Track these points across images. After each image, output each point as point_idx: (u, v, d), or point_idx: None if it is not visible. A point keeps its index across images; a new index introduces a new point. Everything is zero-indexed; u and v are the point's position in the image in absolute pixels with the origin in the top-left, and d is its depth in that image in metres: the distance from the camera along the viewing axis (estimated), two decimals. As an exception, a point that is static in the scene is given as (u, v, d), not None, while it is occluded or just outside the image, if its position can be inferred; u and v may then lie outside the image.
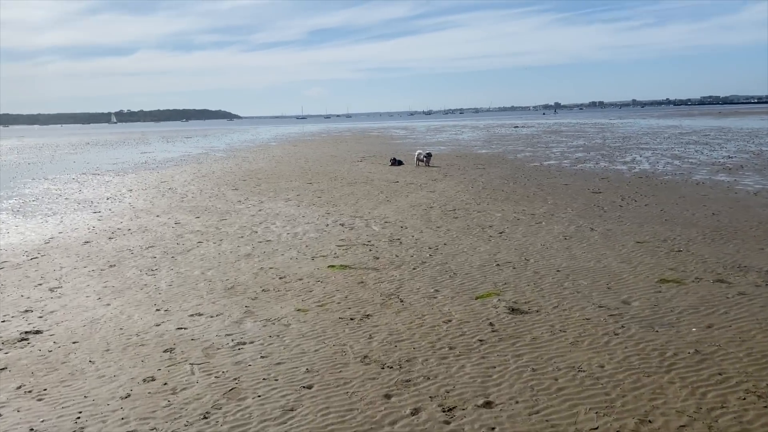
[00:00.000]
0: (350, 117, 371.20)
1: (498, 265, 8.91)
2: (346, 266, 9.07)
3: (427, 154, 25.36)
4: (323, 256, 9.78)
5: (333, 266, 9.06)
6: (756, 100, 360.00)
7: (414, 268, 8.85)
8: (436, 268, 8.86)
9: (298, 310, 7.22)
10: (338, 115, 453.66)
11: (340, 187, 18.98)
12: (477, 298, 7.39)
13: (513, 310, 6.86)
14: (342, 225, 12.41)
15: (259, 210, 14.82)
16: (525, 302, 7.18)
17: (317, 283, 8.28)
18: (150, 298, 7.89)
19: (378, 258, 9.54)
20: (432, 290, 7.81)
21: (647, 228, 11.28)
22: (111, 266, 9.56)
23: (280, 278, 8.60)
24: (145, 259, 10.01)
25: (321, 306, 7.33)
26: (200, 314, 7.17)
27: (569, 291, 7.56)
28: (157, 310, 7.43)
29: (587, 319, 6.57)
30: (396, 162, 26.06)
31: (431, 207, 14.33)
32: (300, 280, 8.49)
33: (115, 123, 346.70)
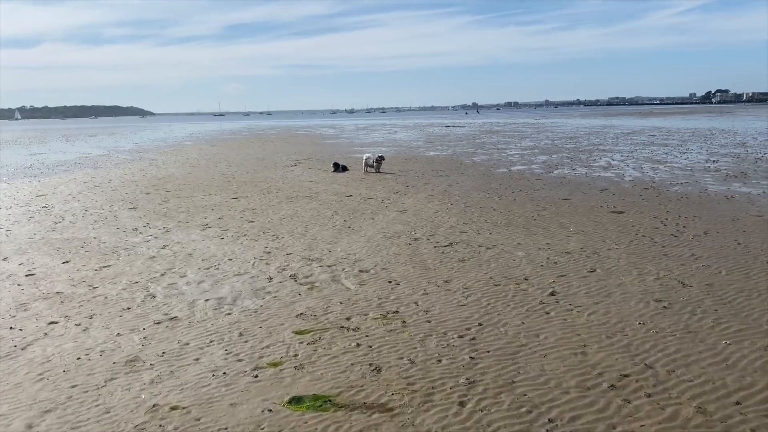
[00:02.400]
0: (271, 115, 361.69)
1: (612, 386, 4.73)
2: (321, 401, 4.63)
3: (379, 157, 21.13)
4: (274, 366, 5.34)
5: (298, 404, 4.59)
6: (658, 101, 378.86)
7: (461, 403, 4.52)
8: (502, 400, 4.57)
9: None
10: (258, 113, 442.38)
11: (278, 204, 14.39)
12: None
13: None
14: (294, 279, 7.96)
15: (163, 246, 10.10)
16: None
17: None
18: None
19: (379, 369, 5.19)
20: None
21: (759, 276, 7.46)
22: None
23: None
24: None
25: None
26: None
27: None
28: None
29: None
30: (340, 167, 21.66)
31: (416, 239, 10.08)
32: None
33: (19, 119, 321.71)
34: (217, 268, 8.59)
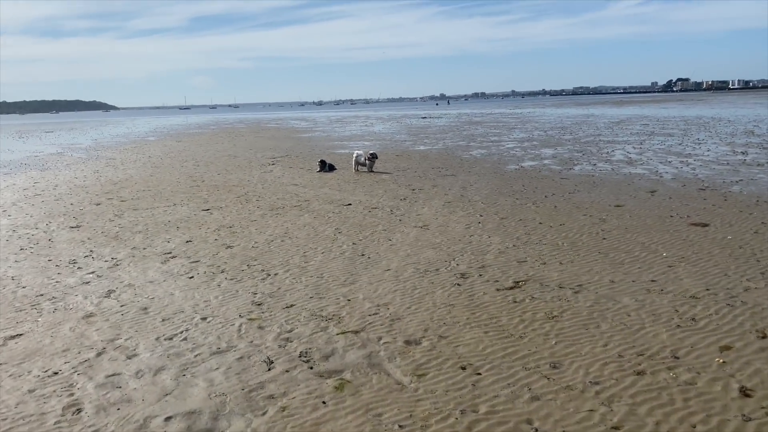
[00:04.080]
0: (238, 107, 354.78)
1: None
2: None
3: (371, 155, 18.21)
4: None
5: None
6: (621, 90, 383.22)
7: None
8: None
9: None
10: (225, 106, 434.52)
11: (261, 217, 11.39)
12: None
13: None
14: (307, 362, 5.06)
15: (108, 292, 7.09)
16: None
17: None
18: None
19: None
20: None
21: None
22: None
23: None
24: None
25: None
26: None
27: None
28: None
29: None
30: (327, 166, 18.67)
31: (462, 275, 7.27)
32: None
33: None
34: (185, 339, 5.61)
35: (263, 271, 7.77)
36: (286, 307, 6.36)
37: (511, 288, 6.71)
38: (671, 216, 10.33)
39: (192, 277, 7.62)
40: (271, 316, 6.12)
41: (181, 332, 5.79)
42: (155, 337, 5.69)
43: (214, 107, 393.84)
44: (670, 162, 18.17)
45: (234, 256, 8.59)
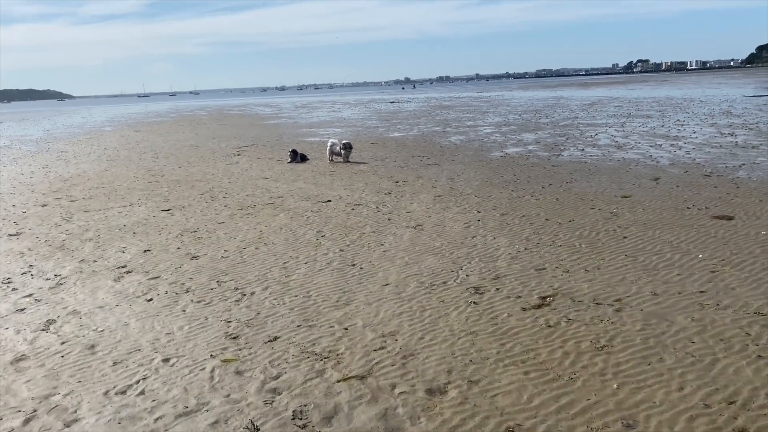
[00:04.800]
0: (198, 94, 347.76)
1: None
2: None
3: (346, 144, 16.92)
4: None
5: None
6: (584, 72, 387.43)
7: None
8: None
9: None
10: (185, 93, 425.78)
11: (230, 218, 10.06)
12: None
13: None
14: (301, 421, 3.94)
15: (46, 324, 5.81)
16: None
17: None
18: None
19: None
20: None
21: None
22: None
23: None
24: None
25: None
26: None
27: None
28: None
29: None
30: (298, 156, 17.33)
31: (477, 289, 6.15)
32: None
33: None
34: (142, 393, 4.34)
35: (237, 289, 6.50)
36: (269, 341, 5.12)
37: (539, 306, 5.58)
38: (688, 208, 9.35)
39: (151, 299, 6.30)
40: (251, 354, 4.88)
41: (138, 382, 4.52)
42: (104, 391, 4.42)
43: (174, 94, 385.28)
44: (660, 145, 17.33)
45: (201, 269, 7.28)
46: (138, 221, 10.22)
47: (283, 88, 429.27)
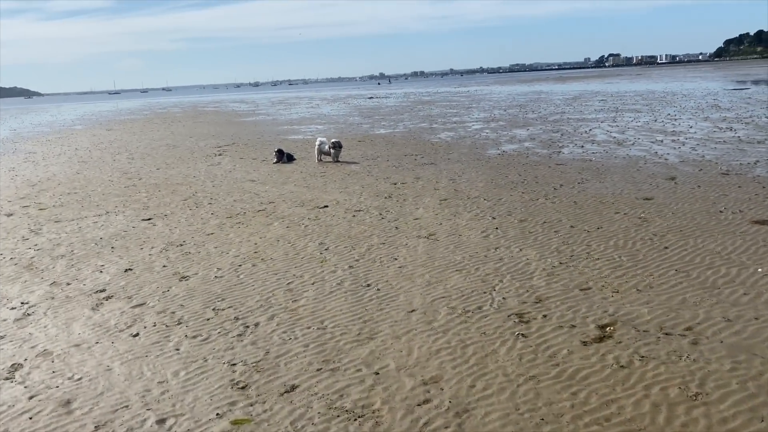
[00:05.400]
0: (170, 91, 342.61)
1: None
2: None
3: (336, 143, 15.99)
4: None
5: None
6: (557, 66, 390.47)
7: None
8: None
9: None
10: (157, 89, 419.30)
11: (218, 229, 9.08)
12: None
13: None
14: None
15: (11, 369, 4.96)
16: None
17: None
18: None
19: None
20: None
21: None
22: None
23: None
24: None
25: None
26: None
27: None
28: None
29: None
30: (285, 156, 16.35)
31: (520, 317, 5.37)
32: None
33: None
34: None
35: (237, 319, 5.56)
36: (286, 392, 4.21)
37: (601, 339, 4.75)
38: (720, 211, 8.62)
39: (137, 334, 5.33)
40: (266, 412, 3.96)
41: (126, 457, 3.56)
42: (83, 470, 3.45)
43: (145, 91, 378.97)
44: (661, 141, 16.70)
45: (192, 293, 6.32)
46: (116, 233, 9.18)
47: (257, 84, 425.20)
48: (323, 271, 6.83)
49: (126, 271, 7.26)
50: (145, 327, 5.48)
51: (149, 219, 10.08)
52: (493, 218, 8.87)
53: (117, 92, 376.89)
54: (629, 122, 22.55)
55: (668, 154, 14.35)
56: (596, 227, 8.09)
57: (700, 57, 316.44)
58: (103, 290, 6.59)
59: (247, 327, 5.37)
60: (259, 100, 77.40)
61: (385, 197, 10.91)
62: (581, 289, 5.83)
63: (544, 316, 5.24)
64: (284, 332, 5.22)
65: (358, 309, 5.65)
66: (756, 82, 50.94)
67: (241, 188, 12.63)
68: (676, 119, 22.81)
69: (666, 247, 7.04)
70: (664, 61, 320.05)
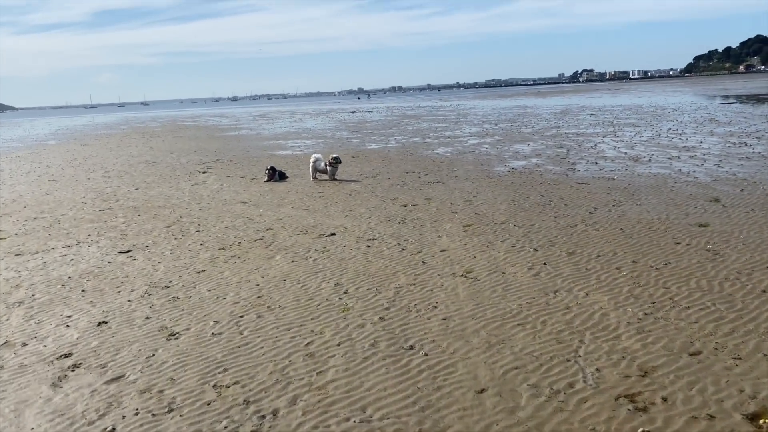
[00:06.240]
0: (148, 105, 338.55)
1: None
2: None
3: (333, 159, 14.65)
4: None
5: None
6: (531, 82, 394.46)
7: None
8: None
9: None
10: (135, 104, 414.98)
11: (210, 264, 7.67)
12: None
13: None
14: None
15: None
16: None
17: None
18: None
19: None
20: None
21: None
22: None
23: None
24: None
25: None
26: None
27: None
28: None
29: None
30: (277, 174, 14.95)
31: (633, 400, 4.12)
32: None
33: None
34: None
35: (248, 404, 4.15)
36: None
37: (760, 438, 3.41)
38: (799, 242, 7.39)
39: (113, 430, 3.88)
40: None
41: None
42: None
43: (122, 105, 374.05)
44: (679, 158, 15.63)
45: (185, 360, 4.89)
46: (88, 270, 7.70)
47: (235, 99, 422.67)
48: (348, 325, 5.45)
49: (99, 324, 5.80)
50: (123, 418, 4.05)
51: (128, 251, 8.60)
52: (535, 250, 7.57)
53: (93, 106, 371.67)
54: (633, 137, 21.57)
55: (695, 171, 13.25)
56: (662, 262, 6.82)
57: (671, 72, 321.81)
58: (69, 354, 5.14)
59: (263, 417, 3.97)
60: (239, 114, 75.85)
61: (399, 222, 9.57)
62: (691, 354, 4.53)
63: (664, 399, 3.92)
64: (315, 427, 3.82)
65: (408, 387, 4.28)
66: (738, 97, 50.81)
67: (232, 212, 11.20)
68: (680, 134, 21.89)
69: (764, 291, 5.77)
70: (636, 76, 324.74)
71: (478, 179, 13.74)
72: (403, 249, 7.97)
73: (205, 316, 5.89)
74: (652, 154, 16.52)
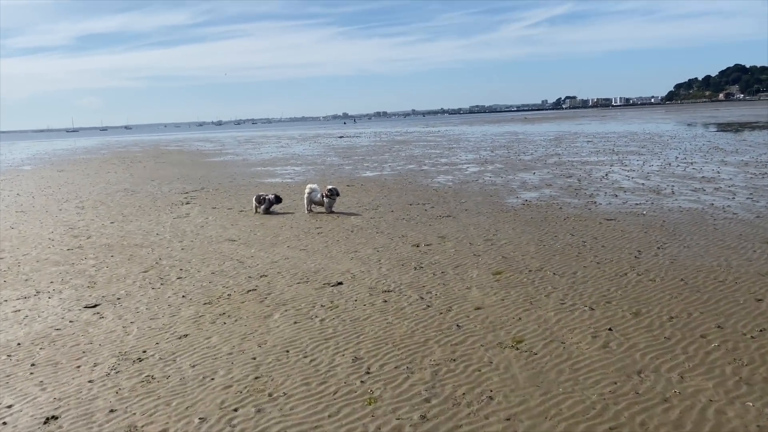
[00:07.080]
0: (131, 129, 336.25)
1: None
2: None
3: (331, 191, 13.31)
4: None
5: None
6: (515, 108, 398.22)
7: None
8: None
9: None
10: (118, 127, 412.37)
11: (194, 323, 6.26)
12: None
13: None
14: None
15: None
16: None
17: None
18: None
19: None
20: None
21: None
22: None
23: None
24: None
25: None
26: None
27: None
28: None
29: None
30: (270, 205, 13.57)
31: None
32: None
33: None
34: None
35: None
36: None
37: None
38: None
39: None
40: None
41: None
42: None
43: (105, 129, 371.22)
44: (703, 190, 14.51)
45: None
46: (44, 333, 6.24)
47: (220, 123, 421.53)
48: (378, 426, 4.04)
49: (47, 422, 4.35)
50: None
51: (95, 306, 7.15)
52: (591, 309, 6.24)
53: (75, 130, 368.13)
54: (642, 166, 20.53)
55: (730, 206, 12.09)
56: (756, 328, 5.52)
57: (653, 100, 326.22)
58: (-3, 477, 3.66)
59: None
60: (224, 138, 74.50)
61: (415, 268, 8.21)
62: None
63: None
64: None
65: None
66: (729, 124, 50.54)
67: (219, 252, 9.78)
68: (691, 163, 20.89)
69: None
70: (618, 103, 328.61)
71: (491, 213, 12.46)
72: (428, 306, 6.60)
73: (187, 408, 4.46)
74: (673, 186, 15.40)
